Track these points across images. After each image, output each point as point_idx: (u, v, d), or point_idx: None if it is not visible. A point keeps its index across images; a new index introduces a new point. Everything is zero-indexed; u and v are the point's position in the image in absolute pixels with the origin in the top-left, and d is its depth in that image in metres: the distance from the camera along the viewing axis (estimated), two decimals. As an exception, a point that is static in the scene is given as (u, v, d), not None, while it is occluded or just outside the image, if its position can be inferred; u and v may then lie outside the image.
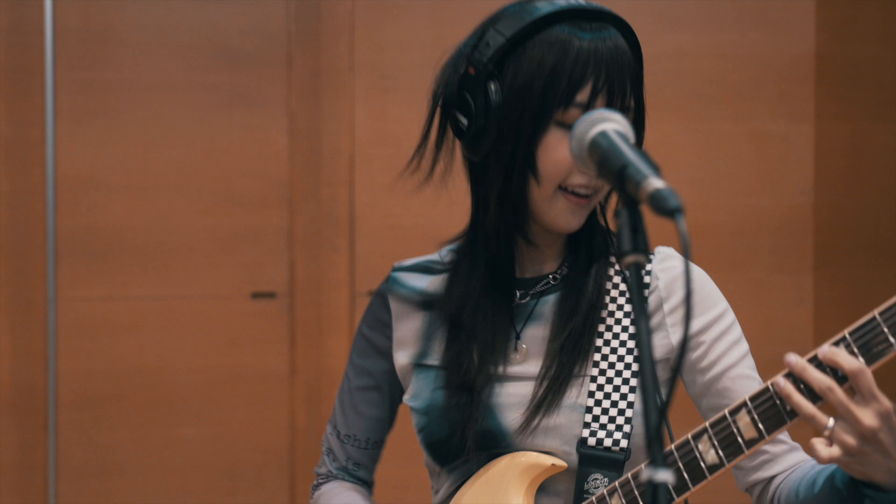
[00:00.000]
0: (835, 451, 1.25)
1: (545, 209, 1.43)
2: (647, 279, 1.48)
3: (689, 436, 1.33)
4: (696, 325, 1.47)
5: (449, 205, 3.01)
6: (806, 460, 1.47)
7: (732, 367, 1.47)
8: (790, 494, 1.43)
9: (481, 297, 1.50)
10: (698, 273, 1.52)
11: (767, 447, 1.46)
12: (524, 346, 1.49)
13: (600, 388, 1.45)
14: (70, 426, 2.99)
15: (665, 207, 0.96)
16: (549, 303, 1.50)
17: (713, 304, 1.49)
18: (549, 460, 1.44)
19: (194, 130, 3.02)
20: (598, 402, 1.45)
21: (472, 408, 1.47)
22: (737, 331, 1.49)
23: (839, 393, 1.24)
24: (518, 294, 1.51)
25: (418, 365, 1.54)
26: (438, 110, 1.54)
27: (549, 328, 1.48)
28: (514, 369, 1.49)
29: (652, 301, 1.48)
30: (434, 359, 1.53)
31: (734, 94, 3.12)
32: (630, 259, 0.99)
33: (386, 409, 1.61)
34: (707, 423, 1.32)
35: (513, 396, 1.48)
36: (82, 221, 3.01)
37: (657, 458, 0.94)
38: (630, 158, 1.04)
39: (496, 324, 1.49)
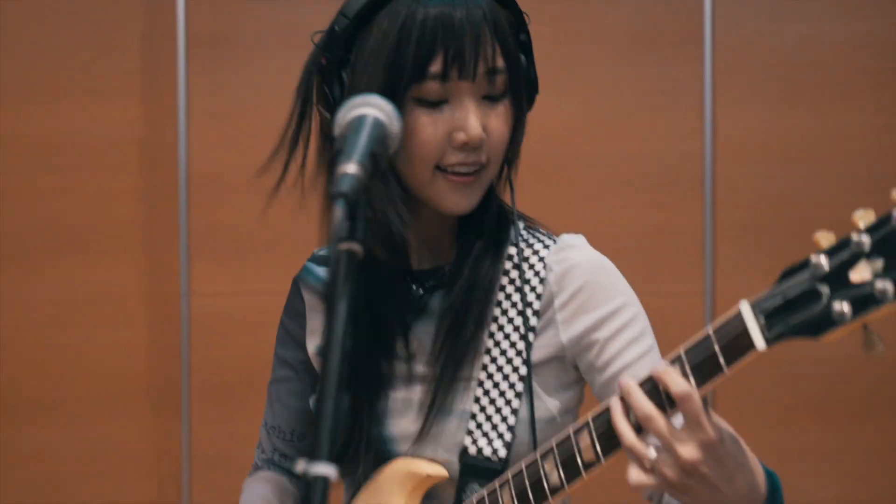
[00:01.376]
0: (648, 479, 1.12)
1: (430, 193, 1.33)
2: (540, 269, 1.37)
3: (537, 455, 1.24)
4: (587, 321, 1.35)
5: (566, 204, 2.98)
6: None
7: (628, 367, 1.34)
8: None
9: (373, 290, 1.38)
10: (595, 262, 1.38)
11: None
12: (414, 344, 1.39)
13: (486, 393, 1.36)
14: (202, 416, 3.05)
15: (332, 189, 0.93)
16: (439, 298, 1.39)
17: (608, 297, 1.36)
18: (424, 469, 1.36)
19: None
20: (482, 409, 1.35)
21: (359, 413, 1.39)
22: (637, 327, 1.36)
23: (660, 422, 1.10)
24: (414, 287, 1.40)
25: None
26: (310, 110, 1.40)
27: (438, 330, 1.37)
28: (402, 369, 1.40)
29: (545, 295, 1.37)
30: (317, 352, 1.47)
31: (872, 84, 2.99)
32: (343, 246, 0.94)
33: (306, 398, 1.51)
34: (553, 442, 1.22)
35: (400, 401, 1.39)
36: (213, 219, 3.05)
37: (319, 450, 0.88)
38: (346, 144, 0.99)
39: (386, 320, 1.39)
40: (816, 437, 2.97)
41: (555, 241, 1.41)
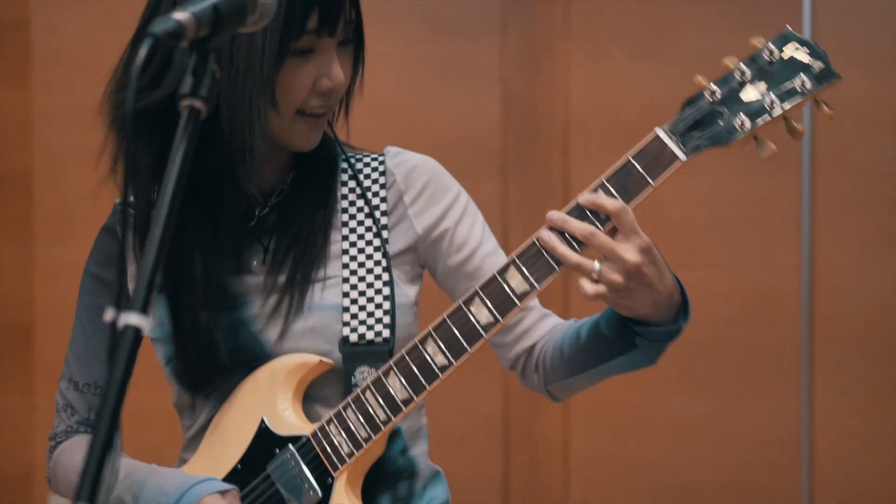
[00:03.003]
0: (600, 288, 1.26)
1: (285, 135, 1.42)
2: (382, 177, 1.50)
3: (460, 302, 1.34)
4: (437, 210, 1.50)
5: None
6: (562, 323, 1.50)
7: (479, 246, 1.50)
8: (554, 353, 1.45)
9: (209, 207, 1.42)
10: (430, 161, 1.53)
11: (522, 319, 1.49)
12: (268, 258, 1.46)
13: (354, 287, 1.45)
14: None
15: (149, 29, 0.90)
16: (289, 211, 1.48)
17: (448, 189, 1.52)
18: (315, 357, 1.43)
19: (407, 102, 3.00)
20: (353, 301, 1.45)
21: (218, 326, 1.43)
22: (473, 209, 1.53)
23: (601, 236, 1.26)
24: (256, 210, 1.47)
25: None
26: None
27: (288, 236, 1.46)
28: (257, 280, 1.45)
29: (391, 196, 1.50)
30: (170, 275, 1.44)
31: None
32: (186, 103, 0.93)
33: None
34: (477, 287, 1.33)
35: (263, 308, 1.44)
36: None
37: (134, 301, 0.86)
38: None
39: (233, 238, 1.44)
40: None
41: (381, 154, 1.53)
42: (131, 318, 0.86)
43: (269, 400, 1.42)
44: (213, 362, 1.43)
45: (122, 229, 1.49)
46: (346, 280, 1.45)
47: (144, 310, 0.87)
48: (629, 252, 1.25)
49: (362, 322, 1.43)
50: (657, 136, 1.30)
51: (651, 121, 2.89)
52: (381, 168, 1.51)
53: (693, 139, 1.29)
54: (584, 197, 1.29)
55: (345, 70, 1.42)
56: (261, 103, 1.35)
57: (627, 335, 1.34)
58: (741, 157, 2.87)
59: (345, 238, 1.47)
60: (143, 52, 0.89)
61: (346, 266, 1.46)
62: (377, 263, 1.46)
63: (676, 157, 1.28)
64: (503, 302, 1.32)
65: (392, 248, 1.48)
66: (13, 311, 3.12)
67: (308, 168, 1.50)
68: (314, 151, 1.47)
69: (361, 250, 1.47)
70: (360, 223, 1.48)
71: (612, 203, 1.27)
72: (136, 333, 0.86)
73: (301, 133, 1.42)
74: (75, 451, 1.50)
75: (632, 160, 1.30)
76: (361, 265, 1.46)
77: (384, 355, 1.41)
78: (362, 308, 1.44)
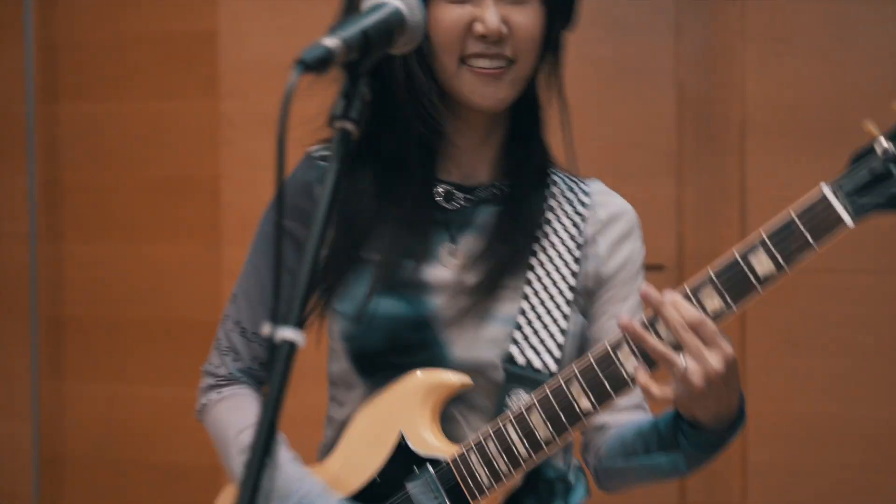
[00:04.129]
0: (672, 392, 1.20)
1: (458, 86, 1.36)
2: (585, 209, 1.44)
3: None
4: (617, 262, 1.44)
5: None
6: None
7: (630, 310, 1.43)
8: (616, 433, 1.40)
9: (409, 194, 1.39)
10: (631, 211, 1.47)
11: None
12: (460, 253, 1.41)
13: (533, 307, 1.39)
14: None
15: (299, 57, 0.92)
16: (489, 213, 1.42)
17: (636, 247, 1.46)
18: (457, 380, 1.37)
19: (581, 103, 2.98)
20: (529, 322, 1.38)
21: (406, 317, 1.37)
22: (642, 275, 1.46)
23: (709, 325, 1.19)
24: (460, 197, 1.42)
25: (352, 258, 1.39)
26: None
27: (487, 239, 1.40)
28: (446, 276, 1.39)
29: (589, 230, 1.44)
30: (369, 253, 1.39)
31: None
32: (338, 125, 0.95)
33: None
34: (592, 358, 1.28)
35: (446, 307, 1.38)
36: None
37: (290, 315, 0.86)
38: (343, 22, 0.98)
39: (428, 226, 1.40)
40: None
41: (585, 181, 1.48)
42: (287, 333, 0.87)
43: (410, 414, 1.38)
44: (388, 352, 1.39)
45: (319, 186, 1.42)
46: (526, 296, 1.39)
47: (299, 325, 0.88)
48: (715, 359, 1.18)
49: (532, 346, 1.38)
50: (823, 196, 1.18)
51: (831, 122, 2.83)
52: (586, 200, 1.45)
53: (862, 201, 1.17)
54: (669, 297, 1.20)
55: (516, 19, 1.34)
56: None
57: (675, 433, 1.30)
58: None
59: (539, 255, 1.41)
60: (293, 79, 0.91)
61: (529, 282, 1.40)
62: (561, 292, 1.40)
63: (842, 222, 1.17)
64: (610, 385, 1.27)
65: (577, 281, 1.42)
66: (201, 309, 3.25)
67: (519, 172, 1.44)
68: (527, 157, 1.43)
69: (548, 273, 1.41)
70: (553, 244, 1.42)
71: (692, 314, 1.19)
72: (292, 347, 0.87)
73: (471, 85, 1.35)
74: (235, 407, 1.46)
75: (795, 218, 1.19)
76: (545, 287, 1.40)
77: (542, 385, 1.34)
78: (535, 332, 1.38)
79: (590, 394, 1.28)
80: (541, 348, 1.38)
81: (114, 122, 3.31)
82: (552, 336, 1.38)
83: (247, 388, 1.48)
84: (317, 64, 0.93)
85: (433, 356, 1.39)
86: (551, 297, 1.40)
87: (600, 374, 1.27)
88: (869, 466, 2.82)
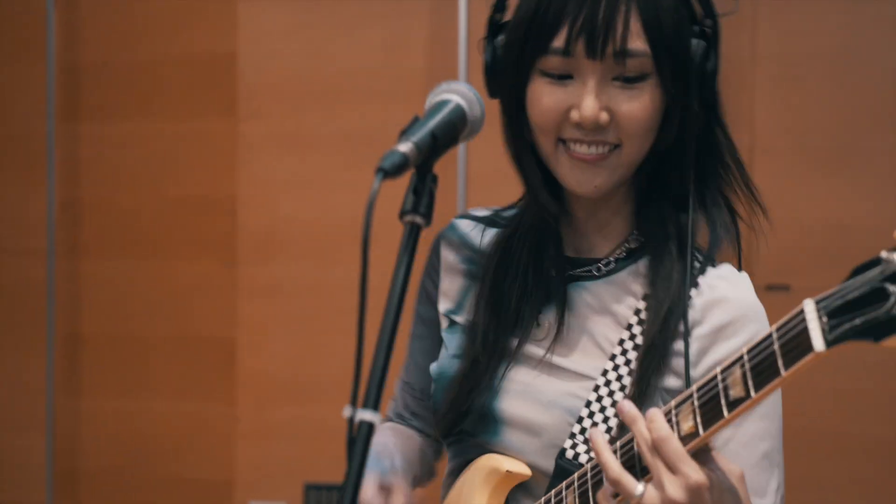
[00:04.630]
0: None
1: (556, 167, 1.25)
2: (692, 295, 1.24)
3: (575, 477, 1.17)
4: (712, 360, 1.22)
5: (853, 197, 2.85)
6: None
7: (731, 438, 1.21)
8: None
9: (522, 265, 1.31)
10: (748, 303, 1.24)
11: None
12: (545, 329, 1.31)
13: (599, 399, 1.25)
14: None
15: (379, 163, 0.97)
16: (583, 289, 1.30)
17: (739, 340, 1.22)
18: (506, 466, 1.28)
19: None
20: (591, 414, 1.25)
21: (475, 385, 1.30)
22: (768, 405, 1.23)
23: (673, 443, 1.03)
24: (561, 272, 1.32)
25: (450, 320, 1.38)
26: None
27: (571, 318, 1.29)
28: (529, 349, 1.31)
29: (689, 316, 1.24)
30: (462, 316, 1.36)
31: None
32: (407, 219, 1.00)
33: (435, 354, 1.40)
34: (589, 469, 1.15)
35: (518, 383, 1.29)
36: (492, 213, 3.10)
37: (366, 398, 0.93)
38: (413, 125, 1.02)
39: (527, 300, 1.31)
40: None
41: (713, 264, 1.28)
42: (366, 415, 0.95)
43: (469, 495, 1.31)
44: (453, 417, 1.32)
45: (445, 242, 1.42)
46: (596, 388, 1.26)
47: (376, 407, 0.96)
48: (673, 487, 1.03)
49: (585, 440, 1.25)
50: (801, 312, 0.95)
51: (839, 146, 2.87)
52: (696, 281, 1.27)
53: (843, 324, 0.92)
54: (625, 406, 1.07)
55: (625, 107, 1.21)
56: (509, 108, 1.27)
57: None
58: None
59: (620, 342, 1.27)
60: (375, 186, 0.97)
61: (605, 372, 1.27)
62: (625, 388, 1.25)
63: (811, 348, 0.93)
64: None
65: (655, 380, 1.25)
66: (217, 326, 3.29)
67: (656, 232, 1.29)
68: (667, 214, 1.28)
69: (627, 362, 1.27)
70: (645, 331, 1.26)
71: (657, 431, 1.04)
72: (370, 428, 0.94)
73: (567, 168, 1.25)
74: (381, 434, 1.42)
75: (773, 333, 0.98)
76: (619, 378, 1.26)
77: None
78: (594, 424, 1.25)
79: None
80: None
81: (134, 142, 3.36)
82: (609, 430, 1.24)
83: (389, 424, 1.50)
84: (395, 170, 0.99)
85: (488, 432, 1.32)
86: (622, 389, 1.25)
87: (589, 489, 1.15)
88: (873, 481, 2.84)
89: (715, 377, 1.02)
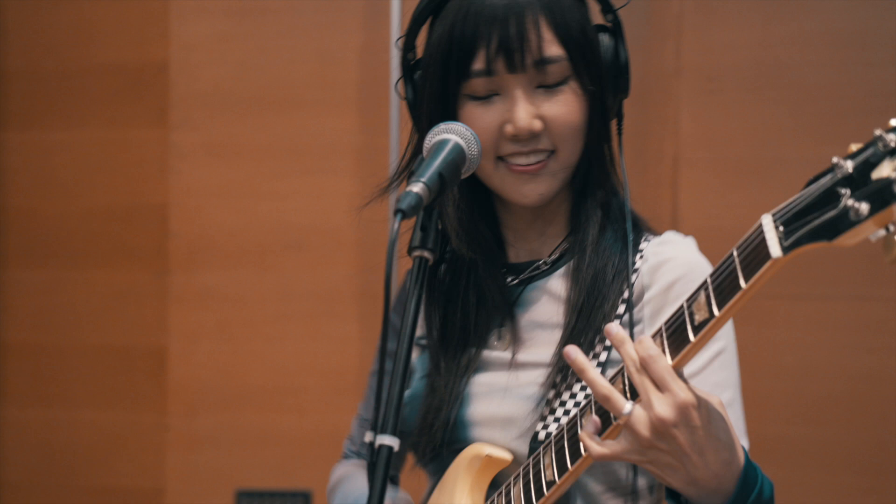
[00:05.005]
0: (609, 449, 1.05)
1: (498, 185, 1.31)
2: (635, 260, 1.31)
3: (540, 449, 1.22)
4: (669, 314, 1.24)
5: (772, 206, 2.92)
6: None
7: (697, 373, 1.27)
8: None
9: (470, 281, 1.37)
10: (691, 262, 1.32)
11: None
12: (508, 332, 1.36)
13: (565, 378, 1.29)
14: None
15: (396, 205, 1.05)
16: (538, 287, 1.36)
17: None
18: (486, 451, 1.31)
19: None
20: (558, 394, 1.29)
21: (445, 396, 1.34)
22: (719, 340, 1.29)
23: (662, 362, 1.04)
24: (509, 279, 1.38)
25: (420, 346, 1.43)
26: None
27: (552, 309, 1.34)
28: (493, 356, 1.36)
29: (636, 289, 1.31)
30: (426, 338, 1.42)
31: None
32: (416, 253, 1.07)
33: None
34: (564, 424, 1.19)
35: (484, 385, 1.34)
36: (422, 222, 3.13)
37: (385, 424, 1.01)
38: (420, 166, 1.10)
39: (483, 310, 1.36)
40: None
41: (648, 237, 1.36)
42: (385, 440, 1.03)
43: (450, 492, 1.33)
44: (427, 433, 1.36)
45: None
46: (559, 371, 1.30)
47: (394, 432, 1.03)
48: (661, 405, 1.03)
49: (557, 419, 1.29)
50: (759, 225, 0.99)
51: (760, 157, 2.94)
52: (642, 251, 1.34)
53: (798, 230, 0.95)
54: (612, 328, 1.09)
55: (552, 111, 1.27)
56: None
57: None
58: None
59: (584, 325, 1.33)
60: (395, 227, 1.04)
61: (559, 355, 1.31)
62: (595, 356, 1.30)
63: (769, 256, 0.96)
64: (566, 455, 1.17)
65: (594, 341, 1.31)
66: (147, 335, 3.27)
67: (585, 228, 1.35)
68: (595, 208, 1.33)
69: (586, 341, 1.32)
70: (603, 315, 1.32)
71: (645, 350, 1.05)
72: (390, 451, 1.02)
73: (510, 184, 1.30)
74: (342, 478, 1.49)
75: (734, 251, 1.01)
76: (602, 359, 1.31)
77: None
78: (562, 404, 1.29)
79: (554, 464, 1.17)
80: (564, 420, 1.27)
81: (62, 150, 3.32)
82: (577, 404, 1.27)
83: (351, 461, 1.56)
84: (412, 210, 1.06)
85: (463, 437, 1.35)
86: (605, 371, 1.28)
87: (564, 441, 1.16)
88: (788, 481, 2.91)
89: (681, 307, 1.05)
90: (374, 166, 3.14)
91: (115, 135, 3.28)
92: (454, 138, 1.15)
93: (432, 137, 1.16)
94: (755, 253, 0.98)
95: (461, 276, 1.38)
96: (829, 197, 0.92)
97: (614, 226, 1.35)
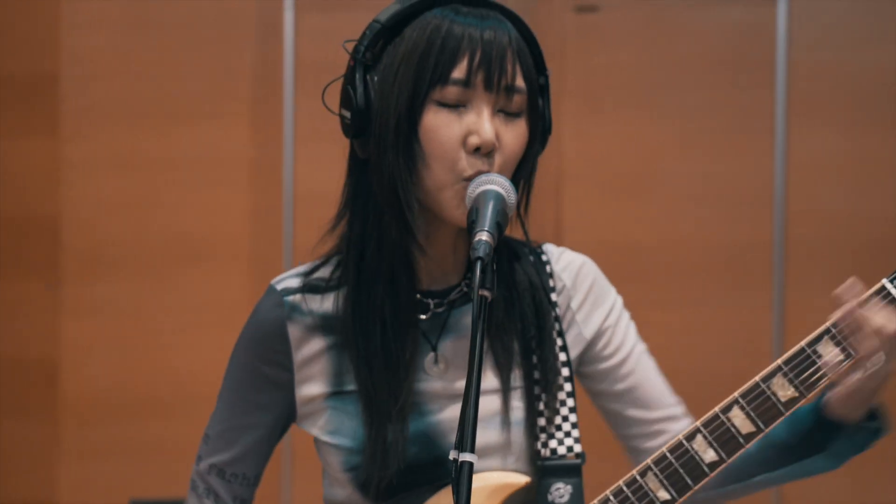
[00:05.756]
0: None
1: (443, 200, 1.31)
2: (551, 279, 1.42)
3: (682, 438, 1.31)
4: (601, 313, 1.44)
5: (649, 219, 3.04)
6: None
7: (633, 347, 1.45)
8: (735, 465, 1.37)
9: (388, 314, 1.34)
10: (591, 262, 1.47)
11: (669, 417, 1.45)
12: (444, 359, 1.37)
13: (538, 397, 1.36)
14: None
15: (473, 254, 1.14)
16: (464, 312, 1.38)
17: (607, 291, 1.45)
18: (519, 479, 1.34)
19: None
20: (540, 413, 1.36)
21: (412, 438, 1.33)
22: (627, 313, 1.47)
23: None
24: (431, 304, 1.38)
25: (335, 393, 1.37)
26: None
27: (460, 338, 1.37)
28: (435, 386, 1.37)
29: (562, 301, 1.42)
30: (351, 384, 1.36)
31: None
32: (483, 293, 1.13)
33: (276, 440, 1.44)
34: (699, 424, 1.31)
35: (448, 421, 1.35)
36: (316, 234, 3.15)
37: (465, 441, 1.06)
38: (481, 214, 1.20)
39: (408, 342, 1.35)
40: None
41: (541, 250, 1.45)
42: (467, 457, 1.08)
43: None
44: (405, 477, 1.33)
45: (291, 324, 1.39)
46: (530, 390, 1.37)
47: (472, 449, 1.08)
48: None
49: (551, 436, 1.36)
50: (884, 287, 1.27)
51: (637, 172, 3.06)
52: (548, 269, 1.43)
53: None
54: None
55: (507, 136, 1.31)
56: (398, 150, 1.30)
57: (819, 437, 1.31)
58: (720, 205, 3.03)
59: (526, 339, 1.39)
60: (478, 273, 1.14)
61: (527, 375, 1.37)
62: (557, 372, 1.38)
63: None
64: (727, 442, 1.29)
65: (567, 354, 1.40)
66: (39, 347, 3.22)
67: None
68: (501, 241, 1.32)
69: (545, 359, 1.38)
70: (535, 327, 1.39)
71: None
72: (471, 467, 1.06)
73: (458, 201, 1.30)
74: None
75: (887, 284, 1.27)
76: (545, 374, 1.38)
77: (577, 470, 1.36)
78: (549, 421, 1.37)
79: (668, 485, 1.30)
80: (559, 434, 1.37)
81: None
82: (566, 419, 1.37)
83: None
84: (488, 257, 1.15)
85: (446, 471, 1.28)
86: (552, 382, 1.38)
87: (675, 464, 1.29)
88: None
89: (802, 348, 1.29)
90: (267, 179, 3.16)
91: (7, 145, 3.23)
92: (496, 188, 1.24)
93: (475, 187, 1.25)
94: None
95: (375, 306, 1.36)
96: None
97: (511, 245, 1.43)
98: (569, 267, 1.44)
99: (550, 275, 1.42)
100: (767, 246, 3.04)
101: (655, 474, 1.29)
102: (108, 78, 3.18)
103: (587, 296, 1.43)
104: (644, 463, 1.31)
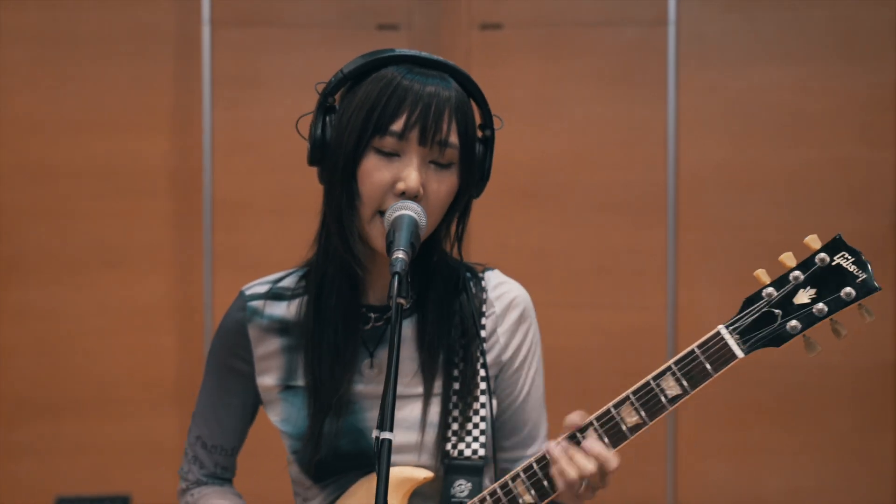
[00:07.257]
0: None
1: (368, 231, 1.45)
2: (483, 305, 1.56)
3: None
4: (514, 346, 1.57)
5: (550, 227, 3.09)
6: None
7: (529, 394, 1.58)
8: None
9: (336, 321, 1.51)
10: (526, 296, 1.60)
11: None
12: (378, 366, 1.53)
13: (455, 405, 1.52)
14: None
15: (391, 269, 1.29)
16: (402, 326, 1.52)
17: (529, 327, 1.59)
18: (421, 473, 1.50)
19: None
20: (454, 418, 1.51)
21: (344, 431, 1.51)
22: (539, 352, 1.60)
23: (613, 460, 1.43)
24: (373, 318, 1.54)
25: (286, 387, 1.56)
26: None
27: (407, 350, 1.53)
28: (368, 388, 1.53)
29: (489, 324, 1.56)
30: (299, 380, 1.55)
31: (817, 124, 3.11)
32: (400, 300, 1.26)
33: (248, 418, 1.64)
34: (592, 417, 1.45)
35: (369, 420, 1.52)
36: (234, 239, 3.16)
37: (385, 421, 1.21)
38: (397, 236, 1.35)
39: (350, 347, 1.51)
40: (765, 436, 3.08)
41: (482, 276, 1.58)
42: (386, 435, 1.21)
43: None
44: (336, 463, 1.52)
45: (251, 325, 1.57)
46: (448, 396, 1.51)
47: (391, 428, 1.22)
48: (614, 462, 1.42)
49: (461, 438, 1.51)
50: (719, 335, 1.39)
51: (539, 183, 3.12)
52: (483, 295, 1.56)
53: (751, 338, 1.38)
54: (589, 445, 1.42)
55: (433, 186, 1.44)
56: (341, 176, 1.44)
57: None
58: (617, 213, 3.10)
59: (449, 355, 1.53)
60: (395, 286, 1.27)
61: (447, 384, 1.52)
62: (476, 384, 1.53)
63: (734, 356, 1.39)
64: (615, 434, 1.45)
65: (486, 371, 1.54)
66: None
67: (423, 287, 1.53)
68: (428, 274, 1.52)
69: (462, 370, 1.53)
70: (469, 341, 1.54)
71: (609, 456, 1.41)
72: (389, 443, 1.20)
73: (379, 236, 1.44)
74: (211, 496, 1.63)
75: (697, 351, 1.40)
76: (464, 382, 1.52)
77: (479, 470, 1.51)
78: (462, 425, 1.51)
79: (531, 490, 1.45)
80: (468, 438, 1.52)
81: None
82: (476, 426, 1.52)
83: (213, 487, 1.67)
84: (404, 272, 1.29)
85: (372, 460, 1.51)
86: (470, 392, 1.52)
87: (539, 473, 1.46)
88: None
89: (648, 382, 1.41)
90: (187, 187, 3.15)
91: (-73, 156, 3.16)
92: (409, 213, 1.38)
93: (392, 213, 1.38)
94: (720, 353, 1.39)
95: (329, 312, 1.52)
96: (768, 317, 1.38)
97: (455, 270, 1.57)
98: (503, 296, 1.57)
99: (484, 301, 1.56)
100: (662, 250, 3.13)
101: (523, 480, 1.46)
102: (29, 90, 3.15)
103: (513, 325, 1.57)
104: (515, 470, 1.47)
